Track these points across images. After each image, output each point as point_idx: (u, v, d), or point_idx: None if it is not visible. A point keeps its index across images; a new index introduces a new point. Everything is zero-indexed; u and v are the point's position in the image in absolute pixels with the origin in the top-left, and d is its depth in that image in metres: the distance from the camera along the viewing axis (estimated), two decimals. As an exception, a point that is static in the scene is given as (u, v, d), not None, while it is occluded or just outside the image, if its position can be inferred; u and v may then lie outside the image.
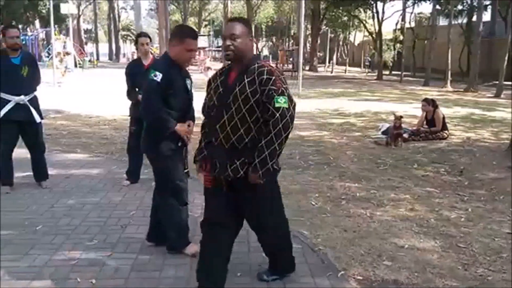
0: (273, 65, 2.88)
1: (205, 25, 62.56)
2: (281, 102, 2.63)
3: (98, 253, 3.64)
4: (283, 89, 2.68)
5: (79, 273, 3.31)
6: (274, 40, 67.95)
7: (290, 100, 2.69)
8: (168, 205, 3.57)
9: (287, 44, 55.80)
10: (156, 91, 3.36)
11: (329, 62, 42.17)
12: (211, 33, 63.86)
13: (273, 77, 2.67)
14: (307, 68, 37.20)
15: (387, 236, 4.12)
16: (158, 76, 3.33)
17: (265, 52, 72.20)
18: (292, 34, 52.87)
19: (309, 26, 42.61)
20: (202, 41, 34.20)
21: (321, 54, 47.23)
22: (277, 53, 41.63)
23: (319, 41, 42.12)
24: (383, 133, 8.73)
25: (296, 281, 3.27)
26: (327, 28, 42.57)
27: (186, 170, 3.67)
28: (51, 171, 5.56)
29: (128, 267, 3.43)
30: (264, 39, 71.76)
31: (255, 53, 2.96)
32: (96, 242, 3.87)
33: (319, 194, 5.27)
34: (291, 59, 34.96)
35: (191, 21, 62.49)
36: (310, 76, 30.48)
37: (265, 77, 2.67)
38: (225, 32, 2.81)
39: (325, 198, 5.16)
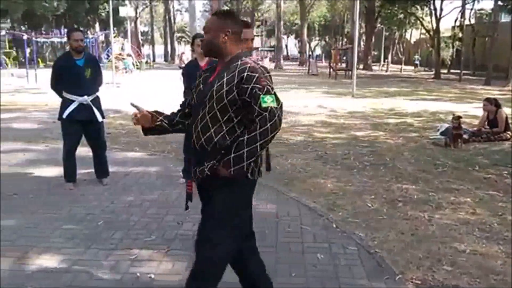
0: (259, 63, 2.54)
1: (258, 26, 62.93)
2: (269, 101, 2.38)
3: (156, 249, 3.73)
4: (268, 87, 2.41)
5: (138, 267, 3.41)
6: (327, 39, 67.35)
7: (277, 99, 2.44)
8: None
9: (340, 43, 55.11)
10: None
11: (384, 61, 41.36)
12: (263, 33, 64.11)
13: (256, 75, 2.41)
14: (361, 67, 36.61)
15: (446, 240, 3.98)
16: None
17: (318, 51, 71.71)
18: (345, 32, 52.18)
19: (363, 24, 41.94)
20: (255, 42, 34.26)
21: (375, 53, 46.34)
22: (330, 52, 41.23)
23: (373, 40, 41.34)
24: (442, 133, 8.43)
25: (352, 284, 3.23)
26: (382, 26, 41.75)
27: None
28: (111, 169, 5.76)
29: (185, 263, 3.49)
30: (317, 38, 71.26)
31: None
32: (154, 238, 3.97)
33: (375, 196, 5.17)
34: (344, 58, 34.52)
35: (244, 22, 62.84)
36: (364, 75, 29.98)
37: (246, 74, 2.41)
38: None
39: (381, 199, 5.05)
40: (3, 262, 3.46)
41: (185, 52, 50.10)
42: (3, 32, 42.47)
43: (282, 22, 45.30)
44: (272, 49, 55.57)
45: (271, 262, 3.51)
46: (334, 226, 4.25)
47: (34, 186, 5.43)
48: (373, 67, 38.87)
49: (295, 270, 3.38)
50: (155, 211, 4.64)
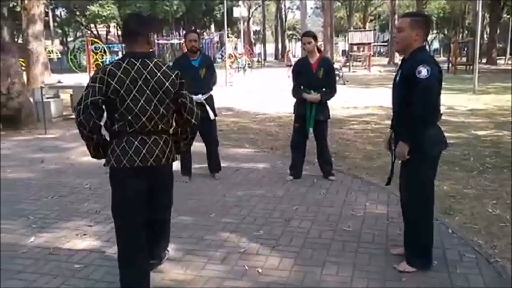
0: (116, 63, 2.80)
1: (370, 20, 61.19)
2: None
3: (263, 244, 3.80)
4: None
5: (246, 261, 3.50)
6: (445, 31, 63.53)
7: (84, 99, 2.68)
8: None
9: (460, 35, 51.66)
10: None
11: (510, 54, 37.93)
12: (376, 28, 62.25)
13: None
14: (483, 61, 33.95)
15: None
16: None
17: (435, 45, 67.93)
18: (466, 24, 48.78)
19: (487, 15, 38.86)
20: (367, 36, 33.43)
21: (500, 46, 42.71)
22: (448, 45, 38.77)
23: (498, 31, 38.10)
24: None
25: (469, 293, 3.01)
26: (508, 16, 38.33)
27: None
28: (223, 164, 5.97)
29: (291, 260, 3.51)
30: (434, 31, 67.58)
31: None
32: (262, 233, 4.04)
33: (497, 201, 4.77)
34: (464, 52, 32.27)
35: (356, 16, 61.68)
36: (488, 70, 27.81)
37: None
38: None
39: (504, 205, 4.64)
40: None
41: (290, 49, 50.37)
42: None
43: (396, 16, 43.59)
44: (386, 44, 53.75)
45: (381, 265, 3.41)
46: (450, 231, 3.99)
47: (153, 178, 5.80)
48: (498, 61, 35.84)
49: (405, 275, 3.24)
50: (263, 206, 4.73)
